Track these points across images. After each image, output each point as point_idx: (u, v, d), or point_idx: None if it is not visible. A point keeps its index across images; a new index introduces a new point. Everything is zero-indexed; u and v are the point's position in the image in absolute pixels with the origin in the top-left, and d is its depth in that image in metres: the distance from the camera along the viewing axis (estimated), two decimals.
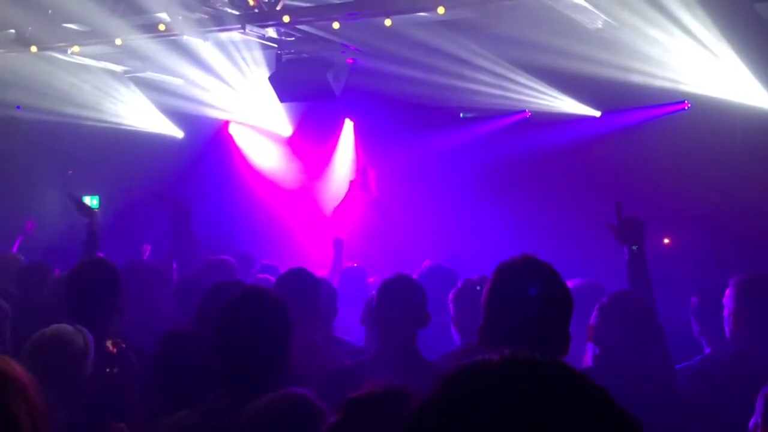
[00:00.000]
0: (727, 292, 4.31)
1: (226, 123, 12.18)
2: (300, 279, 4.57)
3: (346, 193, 9.97)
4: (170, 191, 6.13)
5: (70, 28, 8.94)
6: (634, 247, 4.19)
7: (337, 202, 10.22)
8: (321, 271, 7.49)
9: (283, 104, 10.82)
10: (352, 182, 9.99)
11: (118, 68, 10.86)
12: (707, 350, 4.64)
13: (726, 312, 4.27)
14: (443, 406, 1.00)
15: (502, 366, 1.02)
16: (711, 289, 4.73)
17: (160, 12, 8.28)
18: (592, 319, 3.93)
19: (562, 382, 1.01)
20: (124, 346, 3.80)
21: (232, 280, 5.12)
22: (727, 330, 4.26)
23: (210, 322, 3.47)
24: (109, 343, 3.76)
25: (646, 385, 3.67)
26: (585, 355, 4.12)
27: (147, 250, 9.79)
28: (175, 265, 6.10)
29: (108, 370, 3.69)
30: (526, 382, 0.99)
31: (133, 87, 11.46)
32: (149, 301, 5.71)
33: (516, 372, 1.01)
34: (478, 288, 4.73)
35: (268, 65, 9.97)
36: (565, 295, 2.50)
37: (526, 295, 2.45)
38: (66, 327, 3.59)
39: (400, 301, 3.82)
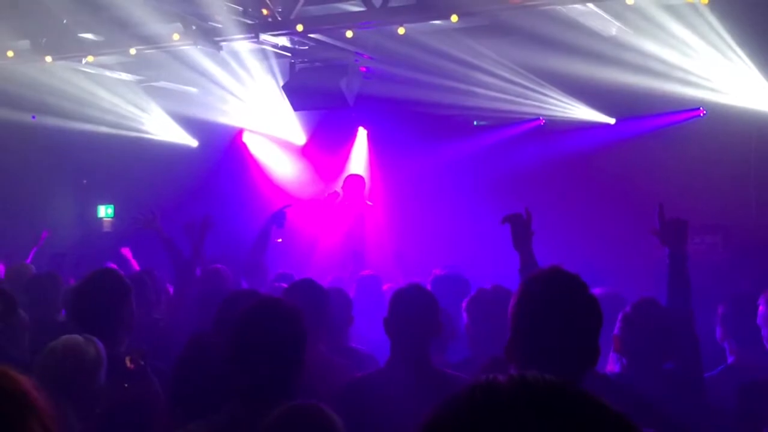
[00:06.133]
0: (761, 311, 4.30)
1: (240, 132, 12.22)
2: (308, 290, 4.44)
3: (327, 203, 9.78)
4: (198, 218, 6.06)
5: (85, 38, 8.99)
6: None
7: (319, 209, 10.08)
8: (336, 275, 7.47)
9: (297, 113, 10.84)
10: (331, 193, 9.79)
11: (133, 78, 10.91)
12: (730, 359, 4.62)
13: (765, 332, 4.26)
14: (450, 425, 1.00)
15: (510, 388, 1.01)
16: (740, 298, 4.72)
17: (175, 22, 8.31)
18: (617, 329, 3.88)
19: (572, 406, 1.00)
20: (142, 363, 3.75)
21: (248, 289, 5.09)
22: None
23: (226, 330, 3.43)
24: (127, 359, 3.72)
25: (676, 394, 3.63)
26: (607, 365, 4.09)
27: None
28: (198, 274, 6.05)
29: (126, 385, 3.65)
30: (532, 405, 0.98)
31: (147, 96, 11.51)
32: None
33: (522, 395, 1.00)
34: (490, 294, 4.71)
35: (282, 74, 9.99)
36: (593, 307, 2.44)
37: (554, 309, 2.41)
38: (77, 338, 3.55)
39: (413, 311, 3.76)
